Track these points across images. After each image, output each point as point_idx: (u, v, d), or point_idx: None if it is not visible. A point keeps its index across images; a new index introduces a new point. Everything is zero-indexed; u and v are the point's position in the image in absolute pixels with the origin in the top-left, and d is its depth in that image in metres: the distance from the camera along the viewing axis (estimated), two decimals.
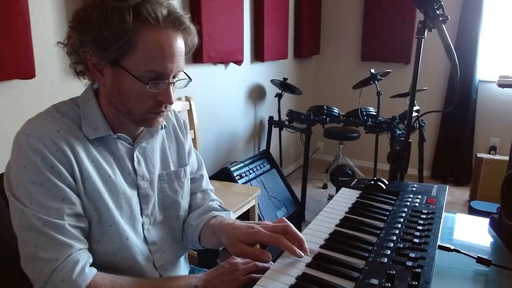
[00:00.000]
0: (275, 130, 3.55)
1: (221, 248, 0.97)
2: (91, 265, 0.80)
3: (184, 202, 1.03)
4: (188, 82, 0.91)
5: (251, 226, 0.86)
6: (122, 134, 0.89)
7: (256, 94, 3.42)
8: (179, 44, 0.82)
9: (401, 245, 0.82)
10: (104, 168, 0.86)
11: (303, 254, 0.79)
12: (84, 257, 0.78)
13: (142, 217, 0.93)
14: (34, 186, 0.77)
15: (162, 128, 0.99)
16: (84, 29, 0.79)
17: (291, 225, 0.84)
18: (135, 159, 0.92)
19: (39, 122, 0.82)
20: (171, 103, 0.85)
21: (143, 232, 0.93)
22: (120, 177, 0.89)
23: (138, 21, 0.76)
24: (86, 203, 0.83)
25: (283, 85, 3.39)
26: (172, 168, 1.00)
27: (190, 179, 1.08)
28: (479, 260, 0.86)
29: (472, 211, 2.98)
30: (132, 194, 0.91)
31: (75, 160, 0.81)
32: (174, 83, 0.85)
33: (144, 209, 0.93)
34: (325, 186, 3.75)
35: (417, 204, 1.04)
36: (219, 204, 1.09)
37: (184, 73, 0.89)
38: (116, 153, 0.90)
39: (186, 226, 1.04)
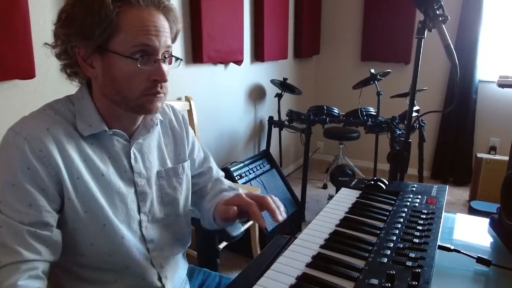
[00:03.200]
0: (275, 130, 3.54)
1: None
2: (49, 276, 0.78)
3: (183, 199, 1.02)
4: (180, 62, 0.91)
5: (239, 194, 0.97)
6: (118, 130, 0.88)
7: (256, 94, 3.42)
8: (162, 20, 0.83)
9: (401, 245, 0.82)
10: (97, 167, 0.85)
11: (265, 224, 0.88)
12: (26, 269, 0.74)
13: (139, 214, 0.92)
14: (6, 185, 0.76)
15: (158, 124, 0.98)
16: (68, 23, 0.80)
17: (269, 198, 0.90)
18: (132, 155, 0.91)
19: (31, 120, 0.82)
20: (164, 80, 0.84)
21: (141, 230, 0.93)
22: (115, 175, 0.88)
23: (117, 1, 0.77)
24: (76, 204, 0.82)
25: (283, 85, 3.38)
26: (170, 165, 1.00)
27: (199, 172, 1.09)
28: (479, 260, 0.86)
29: (472, 211, 2.98)
30: (128, 192, 0.90)
31: (63, 160, 0.80)
32: (165, 61, 0.84)
33: (141, 206, 0.93)
34: (325, 186, 3.75)
35: (417, 204, 1.04)
36: (229, 186, 1.12)
37: (174, 56, 0.89)
38: (111, 150, 0.89)
39: (202, 211, 1.09)
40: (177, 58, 0.90)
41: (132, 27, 0.79)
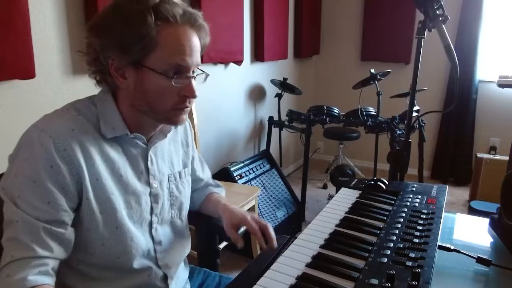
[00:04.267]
0: (275, 130, 3.54)
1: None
2: (56, 273, 0.79)
3: (187, 202, 1.06)
4: (207, 77, 0.94)
5: (244, 214, 1.04)
6: (138, 134, 0.90)
7: (256, 94, 3.42)
8: (195, 39, 0.85)
9: (401, 245, 0.82)
10: (117, 168, 0.87)
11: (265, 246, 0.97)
12: (36, 264, 0.75)
13: (151, 216, 0.94)
14: (27, 181, 0.77)
15: (172, 129, 1.00)
16: (105, 34, 0.81)
17: (270, 228, 1.00)
18: (149, 158, 0.93)
19: (56, 118, 0.83)
20: (194, 96, 0.86)
21: (150, 231, 0.95)
22: (133, 176, 0.90)
23: (158, 19, 0.79)
24: (93, 205, 0.83)
25: (283, 85, 3.38)
26: (177, 169, 1.03)
27: (194, 180, 1.14)
28: (479, 260, 0.86)
29: (472, 211, 2.98)
30: (143, 193, 0.92)
31: (85, 161, 0.81)
32: (195, 78, 0.87)
33: (154, 208, 0.95)
34: (325, 186, 3.74)
35: (417, 204, 1.04)
36: (210, 179, 1.25)
37: (200, 69, 0.91)
38: (130, 152, 0.91)
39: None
40: (204, 73, 0.92)
41: (169, 45, 0.81)
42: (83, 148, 0.82)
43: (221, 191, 1.23)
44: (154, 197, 0.95)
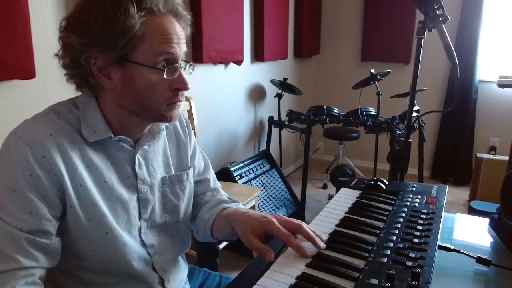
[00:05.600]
0: (275, 130, 3.55)
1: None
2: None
3: (185, 206, 1.01)
4: (194, 67, 0.90)
5: (264, 215, 0.87)
6: (123, 137, 0.86)
7: (256, 94, 3.42)
8: (178, 27, 0.82)
9: (401, 245, 0.82)
10: (100, 173, 0.83)
11: (313, 252, 0.80)
12: (23, 275, 0.73)
13: (140, 221, 0.91)
14: (7, 191, 0.74)
15: (164, 130, 0.96)
16: (85, 31, 0.75)
17: (305, 225, 0.85)
18: (136, 162, 0.89)
19: (34, 124, 0.79)
20: (187, 88, 0.83)
21: (140, 236, 0.92)
22: (118, 181, 0.86)
23: (141, 10, 0.76)
24: (79, 212, 0.80)
25: (283, 85, 3.39)
26: (173, 171, 0.98)
27: (198, 181, 1.07)
28: (479, 260, 0.86)
29: (472, 211, 2.99)
30: (130, 199, 0.88)
31: (66, 167, 0.78)
32: (184, 68, 0.84)
33: (142, 213, 0.91)
34: (325, 186, 3.75)
35: (417, 204, 1.04)
36: (227, 196, 1.10)
37: (185, 61, 0.88)
38: (115, 156, 0.87)
39: (198, 220, 1.05)
40: (190, 64, 0.88)
41: (155, 36, 0.77)
42: (63, 154, 0.78)
43: (238, 206, 1.05)
44: (143, 202, 0.90)
